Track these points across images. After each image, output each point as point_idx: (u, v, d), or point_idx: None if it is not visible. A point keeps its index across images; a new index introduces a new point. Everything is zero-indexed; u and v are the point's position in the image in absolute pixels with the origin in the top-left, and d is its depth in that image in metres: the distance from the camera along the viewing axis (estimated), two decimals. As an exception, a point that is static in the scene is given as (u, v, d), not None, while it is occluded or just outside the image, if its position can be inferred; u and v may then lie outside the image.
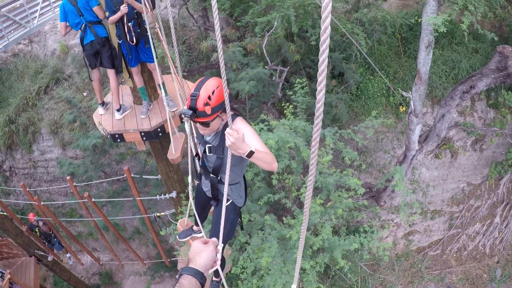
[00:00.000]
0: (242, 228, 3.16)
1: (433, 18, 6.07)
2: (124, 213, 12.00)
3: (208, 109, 2.32)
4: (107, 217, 8.64)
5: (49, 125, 12.36)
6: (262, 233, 5.74)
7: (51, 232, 10.36)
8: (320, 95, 1.18)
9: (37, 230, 9.93)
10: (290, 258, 5.56)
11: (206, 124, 2.43)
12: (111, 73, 5.74)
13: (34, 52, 14.22)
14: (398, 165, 8.64)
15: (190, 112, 2.29)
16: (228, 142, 2.11)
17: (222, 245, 2.80)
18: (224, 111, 2.41)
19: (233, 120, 2.46)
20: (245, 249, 5.73)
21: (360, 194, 6.19)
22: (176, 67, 3.33)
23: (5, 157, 13.99)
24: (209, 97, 2.32)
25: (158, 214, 7.13)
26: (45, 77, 12.90)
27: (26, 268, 10.10)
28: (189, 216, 3.88)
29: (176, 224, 6.77)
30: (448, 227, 12.76)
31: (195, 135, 2.93)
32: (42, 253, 10.27)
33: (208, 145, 2.66)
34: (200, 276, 1.37)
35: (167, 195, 6.65)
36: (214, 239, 1.68)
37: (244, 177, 3.02)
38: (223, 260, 3.15)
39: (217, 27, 1.56)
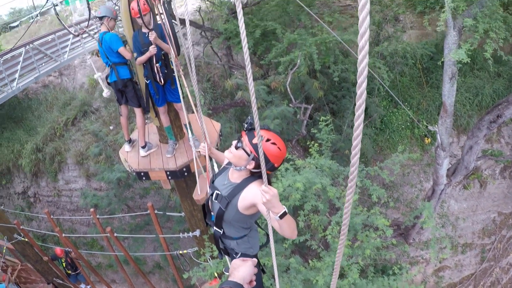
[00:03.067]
0: (264, 272, 3.03)
1: (456, 52, 6.00)
2: (145, 247, 11.95)
3: (255, 139, 2.25)
4: (128, 251, 8.58)
5: (75, 156, 12.64)
6: (287, 276, 5.56)
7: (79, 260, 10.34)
8: (356, 149, 1.14)
9: (63, 261, 9.90)
10: (317, 302, 5.34)
11: (237, 146, 2.33)
12: (137, 111, 5.83)
13: (64, 84, 14.78)
14: (427, 201, 8.36)
15: (251, 122, 2.28)
16: (263, 200, 2.03)
17: None
18: (256, 163, 2.33)
19: (252, 181, 2.38)
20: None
21: (389, 235, 5.97)
22: (195, 105, 3.31)
23: (30, 184, 14.35)
24: (268, 140, 2.26)
25: (180, 252, 7.02)
26: (73, 109, 13.32)
27: (44, 295, 10.09)
28: None
29: (199, 263, 6.68)
30: (480, 261, 12.16)
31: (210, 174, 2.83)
32: (60, 281, 10.26)
33: (217, 191, 2.54)
34: None
35: (190, 233, 6.57)
36: (254, 259, 1.80)
37: (257, 222, 2.87)
38: None
39: (248, 68, 1.53)
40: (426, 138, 10.56)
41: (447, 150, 7.90)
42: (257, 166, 2.32)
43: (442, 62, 6.93)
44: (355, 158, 1.17)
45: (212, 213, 2.67)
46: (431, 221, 6.72)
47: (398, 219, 10.05)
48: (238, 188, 2.41)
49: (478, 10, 6.25)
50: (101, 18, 5.37)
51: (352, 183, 1.24)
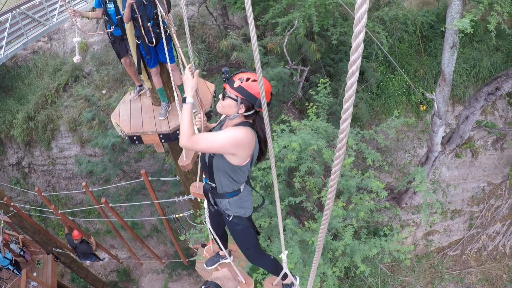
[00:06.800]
0: (258, 233, 3.07)
1: (460, 20, 5.86)
2: (142, 211, 12.05)
3: (237, 84, 2.28)
4: (125, 216, 8.68)
5: (68, 123, 12.47)
6: (283, 237, 5.65)
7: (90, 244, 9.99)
8: (348, 103, 1.07)
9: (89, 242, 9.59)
10: (311, 262, 5.46)
11: (223, 97, 2.38)
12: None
13: (54, 49, 14.34)
14: (420, 167, 8.44)
15: (228, 71, 2.33)
16: (183, 76, 2.31)
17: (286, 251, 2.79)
18: (247, 107, 2.32)
19: (238, 125, 2.40)
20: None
21: (383, 197, 6.05)
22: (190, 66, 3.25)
23: (23, 154, 14.20)
24: (247, 79, 2.29)
25: (176, 216, 7.09)
26: (64, 75, 12.99)
27: (44, 266, 10.21)
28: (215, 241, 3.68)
29: (195, 226, 6.75)
30: (468, 227, 12.51)
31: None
32: (60, 251, 10.35)
33: None
34: None
35: (185, 197, 6.60)
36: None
37: (250, 184, 2.84)
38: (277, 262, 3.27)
39: (252, 31, 1.43)
40: (421, 105, 10.56)
41: (443, 118, 7.90)
42: (247, 108, 2.34)
43: (443, 31, 6.80)
44: (346, 113, 1.09)
45: (205, 161, 2.63)
46: (423, 185, 6.81)
47: (391, 183, 10.21)
48: None
49: (485, -19, 6.06)
50: None
51: (342, 143, 1.16)
